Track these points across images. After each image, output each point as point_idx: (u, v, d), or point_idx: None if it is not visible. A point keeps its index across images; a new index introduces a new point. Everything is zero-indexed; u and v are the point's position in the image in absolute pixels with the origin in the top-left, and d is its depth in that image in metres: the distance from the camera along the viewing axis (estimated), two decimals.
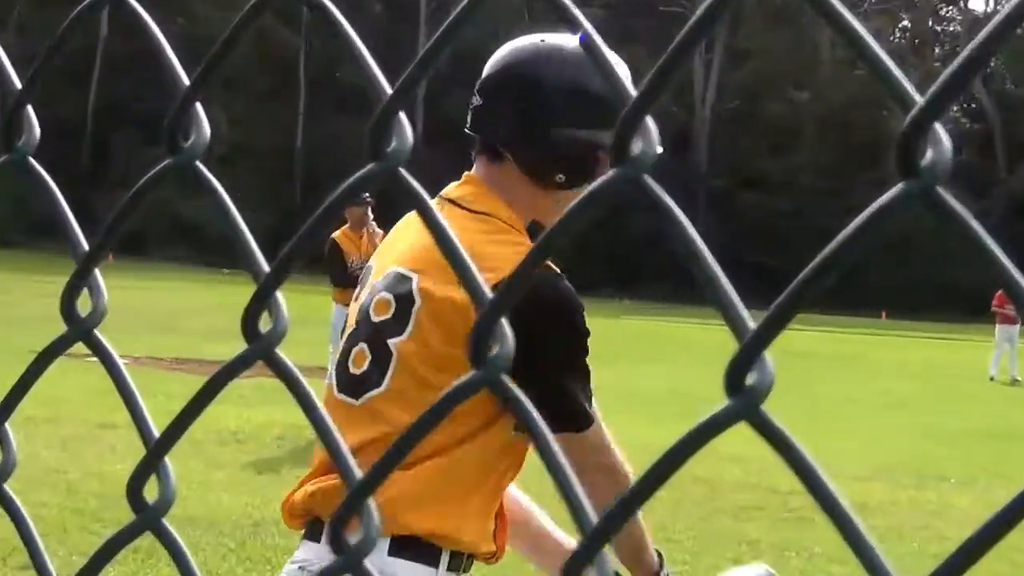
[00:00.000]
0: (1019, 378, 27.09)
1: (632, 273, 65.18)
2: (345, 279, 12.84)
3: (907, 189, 0.60)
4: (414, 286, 2.73)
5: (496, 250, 2.64)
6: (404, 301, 2.75)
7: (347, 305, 3.29)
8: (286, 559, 2.90)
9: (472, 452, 2.74)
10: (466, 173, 2.92)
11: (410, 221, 2.91)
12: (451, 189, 2.91)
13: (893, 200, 0.60)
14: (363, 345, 2.79)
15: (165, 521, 0.87)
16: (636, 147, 0.65)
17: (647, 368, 23.70)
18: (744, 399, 0.60)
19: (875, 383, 23.44)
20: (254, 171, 65.30)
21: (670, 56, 0.65)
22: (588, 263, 63.30)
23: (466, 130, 2.89)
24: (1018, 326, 26.31)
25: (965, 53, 0.59)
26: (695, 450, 0.62)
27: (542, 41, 2.87)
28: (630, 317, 44.21)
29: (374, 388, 2.76)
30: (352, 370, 2.81)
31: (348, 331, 2.89)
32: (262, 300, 0.80)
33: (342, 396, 2.80)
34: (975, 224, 0.59)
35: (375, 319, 2.78)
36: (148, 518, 0.86)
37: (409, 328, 2.72)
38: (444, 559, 2.76)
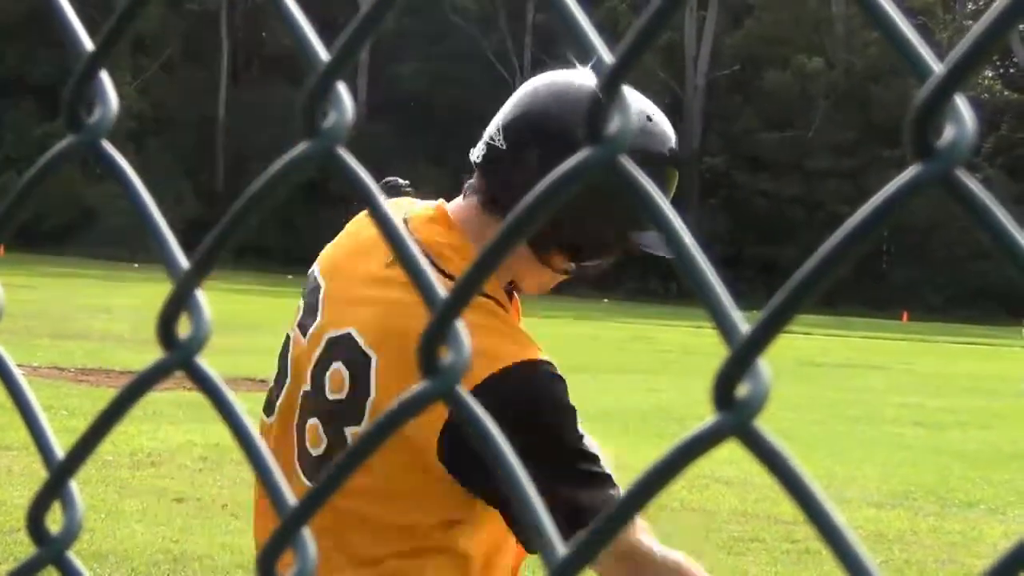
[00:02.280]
0: None
1: (612, 269, 65.16)
2: None
3: (922, 172, 0.60)
4: (372, 371, 2.66)
5: (487, 341, 2.56)
6: (360, 386, 2.68)
7: None
8: None
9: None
10: (439, 204, 2.82)
11: (371, 231, 2.72)
12: (418, 223, 2.78)
13: (905, 185, 0.60)
14: (317, 423, 2.75)
15: (70, 555, 0.87)
16: (612, 124, 0.65)
17: (630, 379, 23.70)
18: (734, 413, 0.61)
19: (894, 396, 23.51)
20: (169, 148, 65.11)
21: (655, 11, 0.65)
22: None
23: (474, 161, 2.77)
24: None
25: (995, 8, 0.59)
26: (678, 472, 0.62)
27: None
28: (610, 321, 44.21)
29: None
30: (311, 450, 2.76)
31: (293, 380, 2.82)
32: (180, 301, 0.81)
33: (304, 479, 2.76)
34: (999, 212, 0.60)
35: (330, 396, 2.72)
36: (51, 551, 0.86)
37: (364, 420, 2.66)
38: None
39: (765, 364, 0.62)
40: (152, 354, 0.81)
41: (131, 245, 51.80)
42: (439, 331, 0.70)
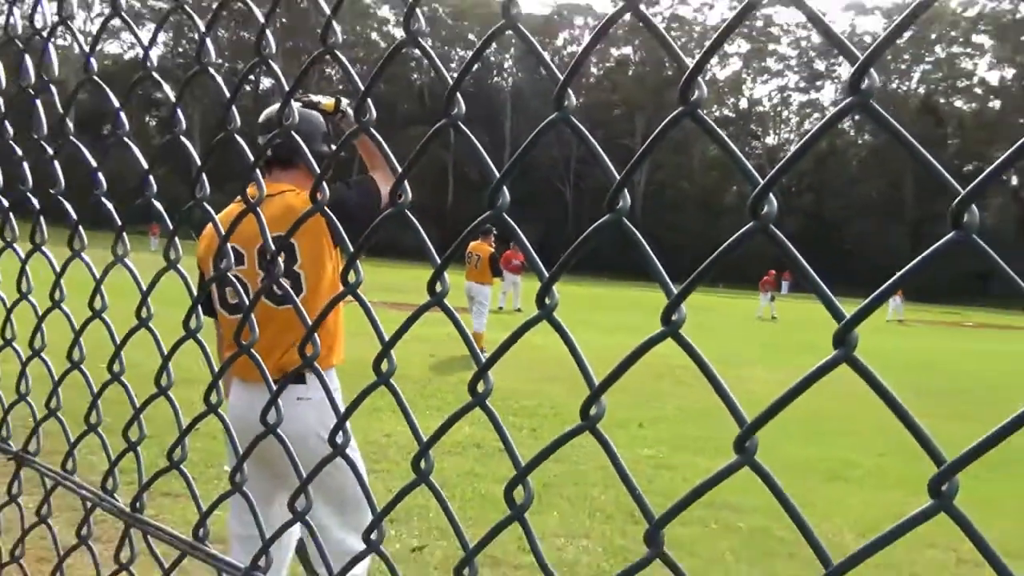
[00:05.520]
0: None
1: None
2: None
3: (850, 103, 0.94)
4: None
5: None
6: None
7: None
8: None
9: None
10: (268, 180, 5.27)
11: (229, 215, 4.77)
12: (278, 186, 5.20)
13: (839, 111, 0.98)
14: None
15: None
16: (866, 81, 0.99)
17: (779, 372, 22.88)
18: (845, 348, 0.86)
19: None
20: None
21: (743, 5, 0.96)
22: (680, 247, 62.30)
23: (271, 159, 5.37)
24: None
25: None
26: (804, 389, 0.88)
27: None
28: (722, 295, 42.82)
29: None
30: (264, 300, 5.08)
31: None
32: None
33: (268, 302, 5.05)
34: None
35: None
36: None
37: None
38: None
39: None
40: None
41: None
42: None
